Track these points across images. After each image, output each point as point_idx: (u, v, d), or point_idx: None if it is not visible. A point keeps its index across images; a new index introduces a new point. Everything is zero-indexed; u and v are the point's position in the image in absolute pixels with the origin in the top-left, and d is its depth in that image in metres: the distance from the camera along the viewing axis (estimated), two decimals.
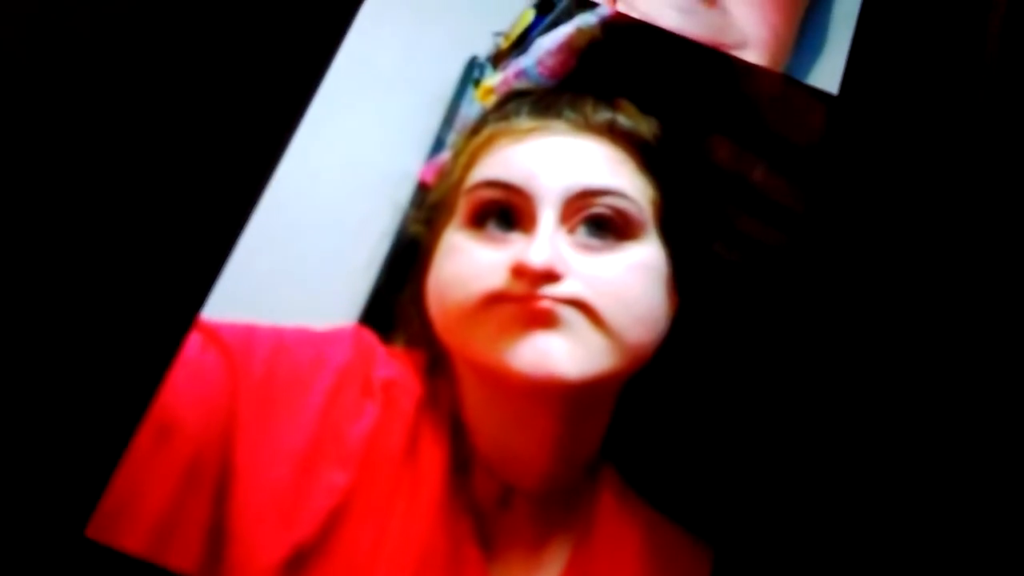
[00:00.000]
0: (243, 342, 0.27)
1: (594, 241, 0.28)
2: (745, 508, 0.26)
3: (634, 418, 0.27)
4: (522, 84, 0.31)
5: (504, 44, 0.31)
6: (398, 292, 0.28)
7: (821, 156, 0.31)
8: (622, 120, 0.30)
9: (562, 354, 0.27)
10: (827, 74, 0.32)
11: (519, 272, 0.27)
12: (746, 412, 0.27)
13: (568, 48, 0.31)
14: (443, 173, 0.29)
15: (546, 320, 0.27)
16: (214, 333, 0.27)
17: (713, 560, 0.26)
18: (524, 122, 0.30)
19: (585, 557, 0.26)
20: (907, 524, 0.28)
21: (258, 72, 0.29)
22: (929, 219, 0.30)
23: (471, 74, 0.30)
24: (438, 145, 0.29)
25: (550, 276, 0.27)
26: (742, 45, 0.33)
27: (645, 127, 0.30)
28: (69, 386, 0.25)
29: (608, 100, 0.30)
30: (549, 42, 0.31)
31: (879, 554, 0.26)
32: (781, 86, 0.32)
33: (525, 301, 0.27)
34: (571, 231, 0.28)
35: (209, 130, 0.28)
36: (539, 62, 0.31)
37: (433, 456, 0.26)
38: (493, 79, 0.31)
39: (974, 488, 0.29)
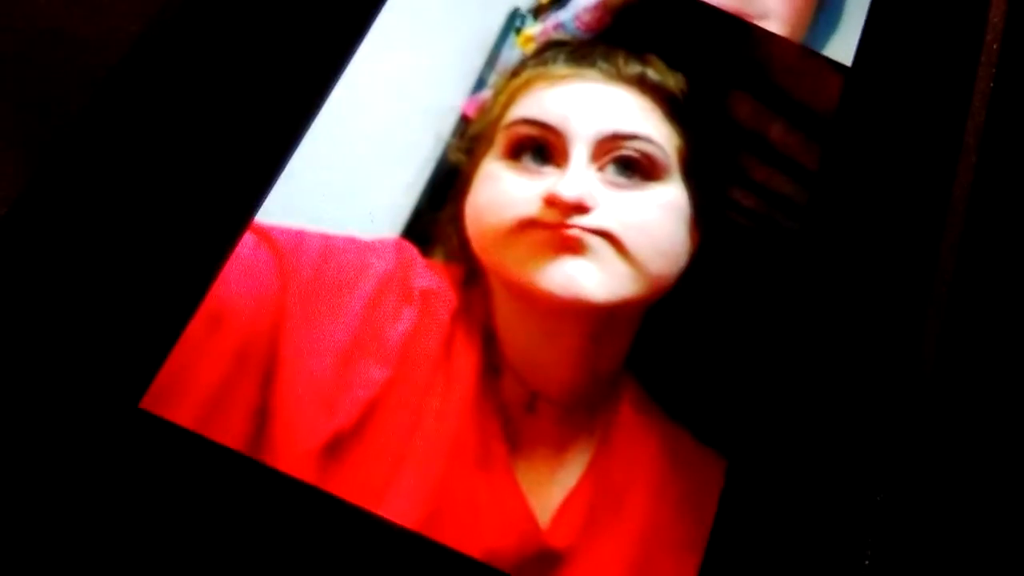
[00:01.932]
0: (293, 244, 0.28)
1: (622, 179, 0.30)
2: (757, 425, 0.28)
3: (657, 337, 0.28)
4: (560, 35, 0.32)
5: None
6: (438, 211, 0.29)
7: (836, 120, 0.33)
8: (651, 73, 0.32)
9: (589, 278, 0.29)
10: (843, 47, 0.34)
11: (551, 202, 0.29)
12: (759, 337, 0.29)
13: (604, 6, 0.33)
14: (484, 109, 0.31)
15: (575, 247, 0.29)
16: (267, 234, 0.28)
17: (727, 471, 0.27)
18: (561, 68, 0.32)
19: (604, 460, 0.27)
20: (908, 442, 0.29)
21: (323, 9, 0.31)
22: (931, 185, 0.32)
23: (513, 23, 0.32)
24: (480, 84, 0.31)
25: (580, 208, 0.29)
26: (764, 16, 0.34)
27: (672, 81, 0.32)
28: (135, 273, 0.26)
29: (639, 55, 0.32)
30: None
31: (884, 471, 0.28)
32: (799, 55, 0.34)
33: (556, 228, 0.29)
34: (601, 169, 0.30)
35: (275, 55, 0.30)
36: (577, 16, 0.33)
37: (466, 360, 0.28)
38: (534, 28, 0.32)
39: (958, 407, 0.31)
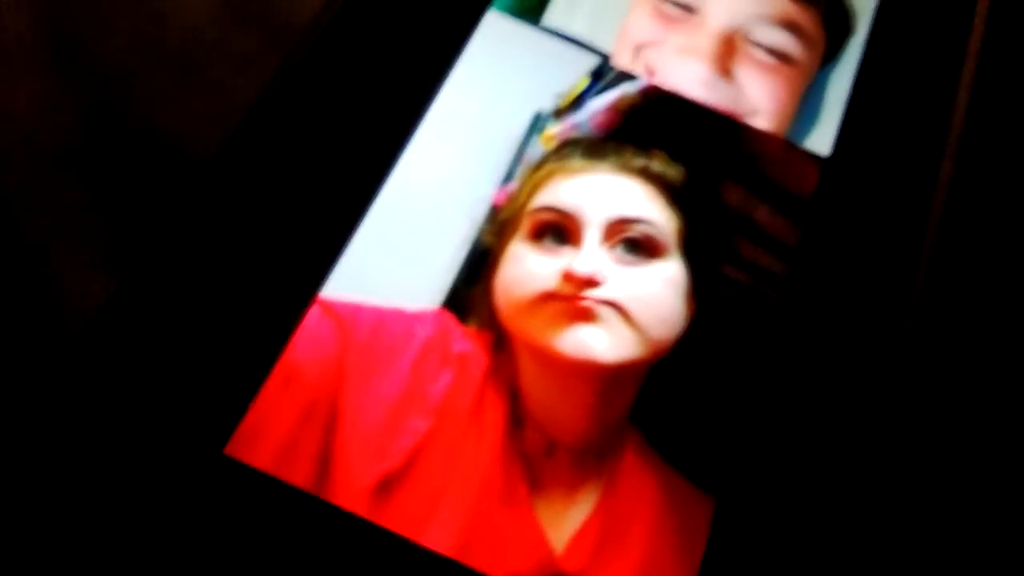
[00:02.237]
0: (351, 315, 0.33)
1: (629, 257, 0.34)
2: (742, 468, 0.32)
3: (658, 393, 0.33)
4: (576, 134, 0.37)
5: (564, 103, 0.37)
6: (473, 286, 0.34)
7: (814, 204, 0.38)
8: (654, 166, 0.36)
9: (599, 343, 0.33)
10: (821, 140, 0.38)
11: (568, 278, 0.34)
12: (745, 392, 0.33)
13: (614, 109, 0.38)
14: (511, 198, 0.36)
15: (587, 316, 0.33)
16: (330, 307, 0.33)
17: (715, 507, 0.31)
18: (576, 163, 0.36)
19: (611, 500, 0.31)
20: (888, 482, 0.33)
21: (381, 112, 0.36)
22: (897, 262, 0.37)
23: (537, 124, 0.37)
24: (508, 176, 0.36)
25: (592, 282, 0.33)
26: (752, 113, 0.38)
27: (673, 172, 0.36)
28: (226, 342, 0.31)
29: (644, 149, 0.36)
30: (599, 103, 0.38)
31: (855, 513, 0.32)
32: (783, 147, 0.39)
33: (571, 300, 0.33)
34: (611, 248, 0.34)
35: (338, 153, 0.35)
36: (591, 118, 0.38)
37: (494, 413, 0.32)
38: (554, 128, 0.37)
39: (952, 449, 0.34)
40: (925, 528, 0.35)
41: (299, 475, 0.30)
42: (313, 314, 0.32)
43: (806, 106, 0.39)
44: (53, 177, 0.35)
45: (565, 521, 0.31)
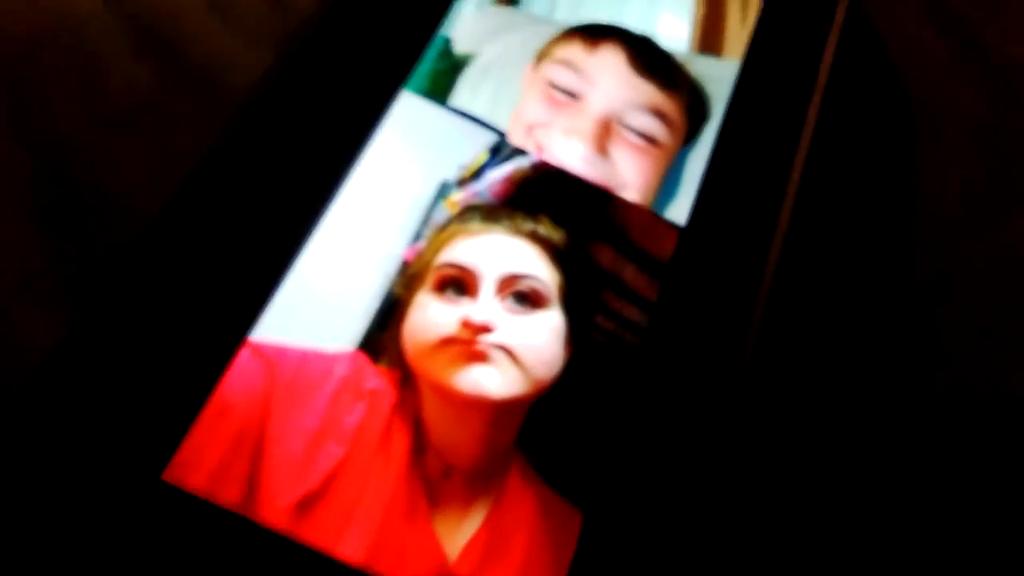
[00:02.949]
0: (277, 356, 0.37)
1: (518, 307, 0.39)
2: (607, 486, 0.37)
3: (539, 423, 0.38)
4: (476, 201, 0.42)
5: (466, 173, 0.42)
6: (385, 331, 0.38)
7: (672, 265, 0.43)
8: (541, 229, 0.41)
9: (491, 381, 0.38)
10: (680, 211, 0.44)
11: (466, 325, 0.38)
12: (610, 423, 0.38)
13: (509, 180, 0.43)
14: (419, 255, 0.40)
15: (481, 358, 0.38)
16: (258, 348, 0.37)
17: (583, 520, 0.37)
18: (476, 225, 0.41)
19: (497, 514, 0.36)
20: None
21: (308, 177, 0.40)
22: (737, 321, 0.44)
23: (443, 192, 0.42)
24: (417, 236, 0.40)
25: (486, 328, 0.38)
26: (624, 187, 0.44)
27: (556, 235, 0.41)
28: (165, 379, 0.35)
29: (533, 215, 0.41)
30: (496, 175, 0.43)
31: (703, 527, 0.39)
32: (648, 217, 0.44)
33: (468, 344, 0.38)
34: (503, 299, 0.39)
35: (266, 211, 0.39)
36: (489, 187, 0.42)
37: (401, 441, 0.37)
38: (457, 196, 0.42)
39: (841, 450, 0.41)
40: (768, 538, 0.43)
41: (229, 496, 0.34)
42: (243, 355, 0.36)
43: (668, 181, 0.45)
44: (4, 227, 0.38)
45: (458, 534, 0.36)
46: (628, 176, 0.45)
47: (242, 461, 0.35)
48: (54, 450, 0.34)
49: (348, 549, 0.34)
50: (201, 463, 0.34)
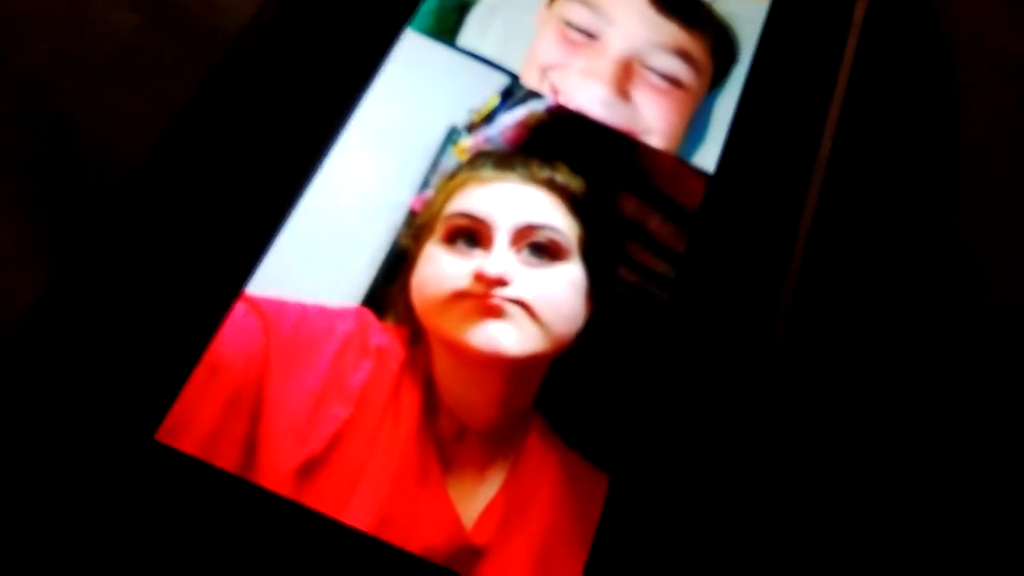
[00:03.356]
0: (276, 311, 0.35)
1: (534, 260, 0.37)
2: (633, 449, 0.35)
3: (559, 383, 0.36)
4: (488, 147, 0.40)
5: (477, 118, 0.40)
6: (391, 284, 0.36)
7: (700, 215, 0.42)
8: (558, 177, 0.39)
9: (507, 337, 0.36)
10: (707, 157, 0.42)
11: (479, 278, 0.36)
12: (636, 382, 0.36)
13: (523, 125, 0.41)
14: (427, 204, 0.38)
15: (496, 313, 0.36)
16: (255, 303, 0.35)
17: (609, 484, 0.35)
18: (487, 173, 0.39)
19: (516, 479, 0.34)
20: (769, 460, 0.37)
21: (306, 121, 0.38)
22: (770, 269, 0.41)
23: (452, 137, 0.40)
24: (425, 184, 0.38)
25: (501, 282, 0.36)
26: (648, 132, 0.42)
27: (575, 183, 0.39)
28: (155, 335, 0.33)
29: (549, 162, 0.39)
30: (509, 119, 0.41)
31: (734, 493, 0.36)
32: (673, 163, 0.43)
33: (482, 298, 0.36)
34: (518, 252, 0.37)
35: (262, 161, 0.37)
36: (501, 133, 0.40)
37: (410, 402, 0.35)
38: (467, 141, 0.40)
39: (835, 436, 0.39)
40: (799, 504, 0.40)
41: (226, 460, 0.32)
42: (239, 309, 0.34)
43: (694, 126, 0.43)
44: None
45: (474, 499, 0.33)
46: (651, 120, 0.42)
47: (239, 423, 0.32)
48: (41, 410, 0.31)
49: (356, 516, 0.32)
50: (195, 425, 0.32)
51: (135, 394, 0.32)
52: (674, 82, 0.43)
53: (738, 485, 0.35)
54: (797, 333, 0.41)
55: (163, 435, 0.32)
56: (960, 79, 0.55)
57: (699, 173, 0.42)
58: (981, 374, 0.45)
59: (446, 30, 0.42)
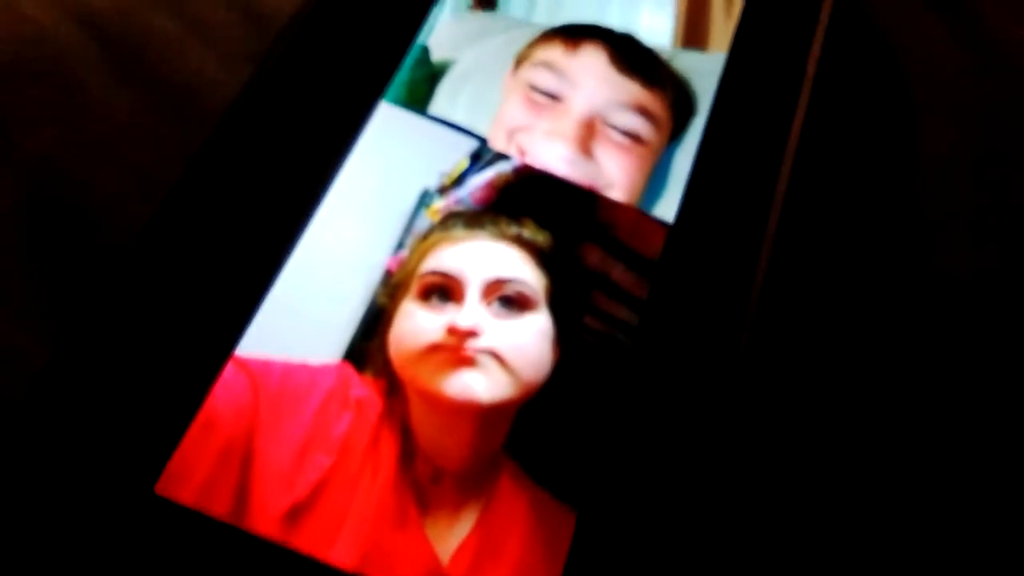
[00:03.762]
0: (262, 370, 0.37)
1: (504, 311, 0.40)
2: (600, 485, 0.37)
3: (527, 427, 0.38)
4: (458, 207, 0.42)
5: (447, 181, 0.43)
6: (370, 341, 0.39)
7: (661, 263, 0.43)
8: (526, 233, 0.41)
9: (479, 385, 0.38)
10: (667, 208, 0.44)
11: (452, 331, 0.38)
12: (602, 424, 0.38)
13: (491, 185, 0.43)
14: (402, 264, 0.40)
15: (469, 363, 0.38)
16: (243, 363, 0.37)
17: (577, 520, 0.36)
18: (459, 232, 0.41)
19: (488, 517, 0.36)
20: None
21: (288, 191, 0.41)
22: (727, 314, 0.43)
23: (424, 200, 0.42)
24: (400, 245, 0.41)
25: (472, 333, 0.38)
26: (610, 187, 0.44)
27: (541, 238, 0.42)
28: (153, 395, 0.35)
29: (517, 219, 0.42)
30: (478, 181, 0.43)
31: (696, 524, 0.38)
32: (635, 215, 0.45)
33: (455, 350, 0.38)
34: (488, 304, 0.39)
35: (254, 232, 0.40)
36: (471, 194, 0.43)
37: (389, 448, 0.37)
38: (439, 203, 0.42)
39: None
40: (765, 534, 0.42)
41: (220, 507, 0.34)
42: (229, 369, 0.37)
43: (655, 179, 0.45)
44: None
45: (450, 537, 0.36)
46: (613, 175, 0.45)
47: (231, 473, 0.35)
48: (47, 467, 0.34)
49: (340, 555, 0.35)
50: (190, 476, 0.35)
51: (134, 450, 0.35)
52: (635, 138, 0.46)
53: (702, 519, 0.38)
54: (756, 374, 0.44)
55: (162, 487, 0.34)
56: (920, 119, 0.58)
57: (659, 224, 0.44)
58: (950, 385, 0.47)
59: (418, 99, 0.45)
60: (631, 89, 0.47)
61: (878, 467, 0.44)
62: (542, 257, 0.41)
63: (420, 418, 0.38)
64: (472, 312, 0.39)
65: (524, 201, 0.43)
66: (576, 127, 0.45)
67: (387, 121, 0.44)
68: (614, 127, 0.46)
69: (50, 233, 0.39)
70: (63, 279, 0.38)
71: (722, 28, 0.51)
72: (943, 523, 0.43)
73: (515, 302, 0.40)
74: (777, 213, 0.46)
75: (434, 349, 0.38)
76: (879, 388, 0.47)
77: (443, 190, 0.43)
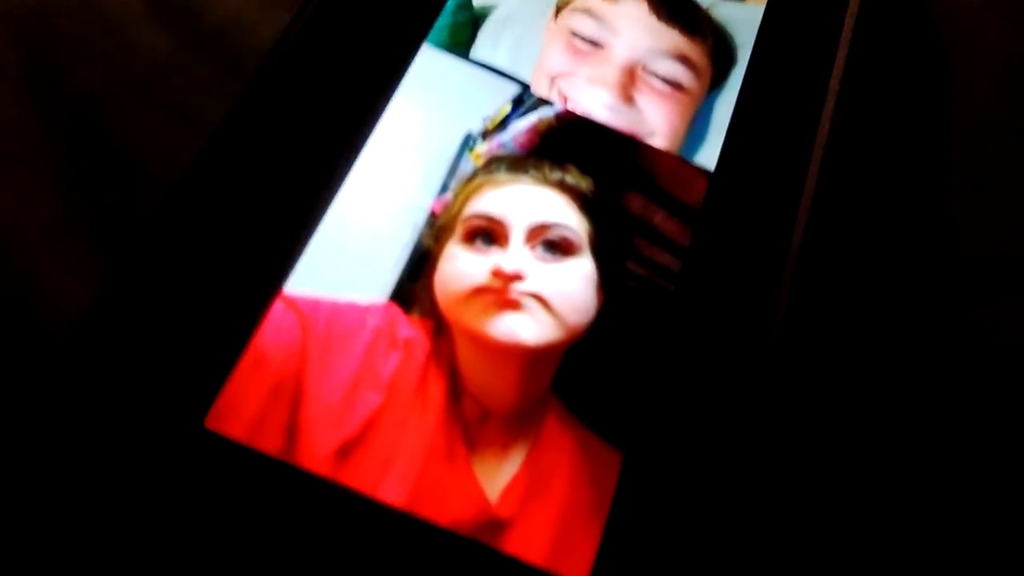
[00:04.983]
0: (311, 308, 0.37)
1: (548, 256, 0.40)
2: (644, 428, 0.38)
3: (573, 369, 0.38)
4: (501, 152, 0.42)
5: (491, 125, 0.42)
6: (416, 282, 0.39)
7: (702, 210, 0.44)
8: (569, 178, 0.42)
9: (524, 329, 0.38)
10: (708, 156, 0.44)
11: (497, 274, 0.39)
12: (646, 368, 0.38)
13: (534, 131, 0.44)
14: (447, 207, 0.41)
15: (514, 306, 0.38)
16: (292, 301, 0.37)
17: (622, 461, 0.37)
18: (502, 176, 0.41)
19: (536, 457, 0.36)
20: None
21: (334, 133, 0.40)
22: (768, 260, 0.43)
23: (468, 144, 0.42)
24: (444, 188, 0.41)
25: (517, 277, 0.39)
26: (651, 134, 0.44)
27: (584, 183, 0.42)
28: (202, 332, 0.36)
29: (560, 164, 0.42)
30: (521, 126, 0.43)
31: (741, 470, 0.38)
32: (676, 163, 0.45)
33: (500, 293, 0.38)
34: (532, 248, 0.40)
35: (301, 173, 0.40)
36: (514, 138, 0.43)
37: (437, 388, 0.37)
38: (482, 147, 0.42)
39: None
40: (803, 488, 0.42)
41: (270, 443, 0.35)
42: (277, 307, 0.37)
43: (695, 127, 0.45)
44: (28, 188, 0.39)
45: (498, 476, 0.36)
46: (655, 123, 0.45)
47: (281, 410, 0.35)
48: (98, 401, 0.34)
49: (389, 493, 0.35)
50: (241, 412, 0.35)
51: (184, 387, 0.35)
52: (676, 86, 0.46)
53: (742, 460, 0.38)
54: (796, 320, 0.44)
55: (212, 421, 0.35)
56: (954, 73, 0.57)
57: (700, 171, 0.44)
58: (982, 367, 0.47)
59: (460, 44, 0.45)
60: (672, 37, 0.47)
61: (916, 412, 0.44)
62: (585, 202, 0.41)
63: (467, 360, 0.38)
64: (517, 256, 0.39)
65: (566, 147, 0.43)
66: (617, 74, 0.45)
67: (430, 64, 0.43)
68: (655, 75, 0.46)
69: (93, 172, 0.39)
70: (108, 218, 0.38)
71: None
72: (967, 499, 0.44)
73: (559, 247, 0.40)
74: (817, 161, 0.46)
75: (479, 292, 0.38)
76: (917, 340, 0.47)
77: (486, 134, 0.43)
